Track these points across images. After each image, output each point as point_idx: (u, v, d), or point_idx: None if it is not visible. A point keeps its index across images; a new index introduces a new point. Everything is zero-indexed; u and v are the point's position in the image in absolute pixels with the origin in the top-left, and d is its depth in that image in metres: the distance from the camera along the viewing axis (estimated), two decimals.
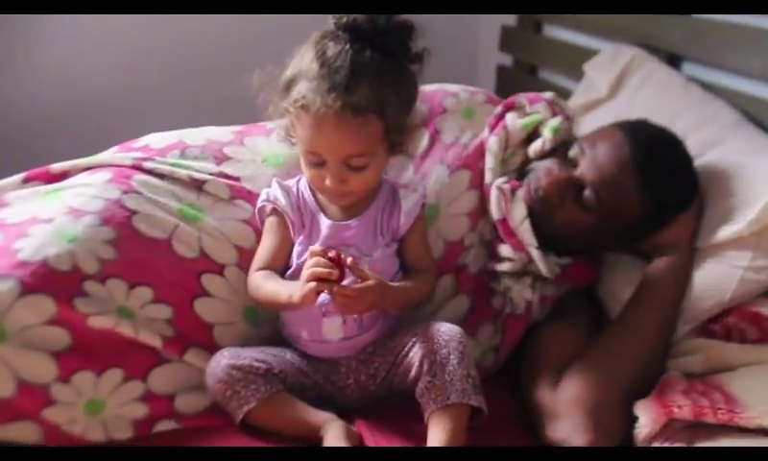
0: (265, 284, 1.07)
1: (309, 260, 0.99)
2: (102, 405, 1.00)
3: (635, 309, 1.18)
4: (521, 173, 1.28)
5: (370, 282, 0.99)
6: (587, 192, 1.18)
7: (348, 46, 0.99)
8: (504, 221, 1.23)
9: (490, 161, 1.27)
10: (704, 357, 1.00)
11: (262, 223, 1.14)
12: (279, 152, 1.24)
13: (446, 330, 1.03)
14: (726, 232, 1.16)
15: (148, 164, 1.17)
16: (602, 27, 1.83)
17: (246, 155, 1.23)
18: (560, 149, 1.25)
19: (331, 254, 0.98)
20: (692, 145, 1.30)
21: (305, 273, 0.98)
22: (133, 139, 1.27)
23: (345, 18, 1.01)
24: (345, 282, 0.98)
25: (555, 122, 1.29)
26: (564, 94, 1.76)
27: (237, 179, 1.20)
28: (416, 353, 1.03)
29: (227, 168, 1.21)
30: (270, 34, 2.07)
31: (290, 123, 1.07)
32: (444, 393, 0.98)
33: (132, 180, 1.14)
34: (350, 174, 1.03)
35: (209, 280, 1.11)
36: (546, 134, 1.27)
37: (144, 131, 1.32)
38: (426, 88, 1.34)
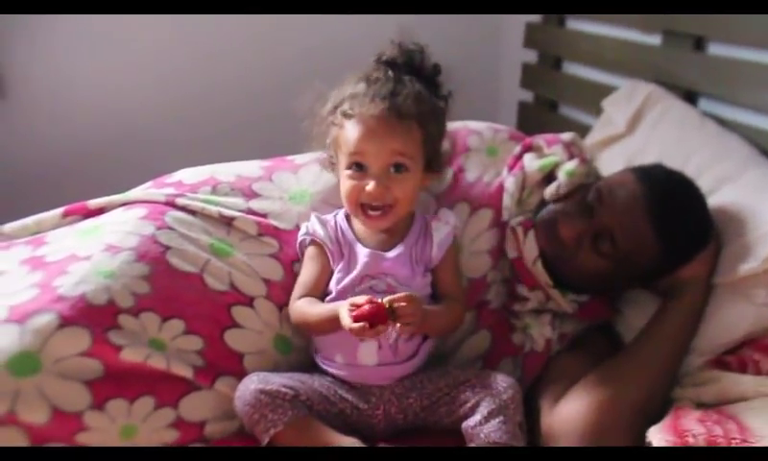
0: (312, 308, 1.12)
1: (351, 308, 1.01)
2: (135, 431, 1.03)
3: (644, 340, 1.20)
4: (537, 214, 1.30)
5: (410, 293, 1.04)
6: (603, 241, 1.19)
7: (389, 72, 1.13)
8: (519, 260, 1.26)
9: (507, 201, 1.30)
10: (717, 388, 1.01)
11: (302, 255, 1.19)
12: (306, 189, 1.28)
13: (506, 379, 1.10)
14: (742, 269, 1.17)
15: (180, 201, 1.21)
16: (620, 64, 1.87)
17: (273, 192, 1.28)
18: (576, 192, 1.27)
19: (368, 304, 1.00)
20: (708, 180, 1.32)
21: (345, 320, 1.01)
22: (167, 174, 1.32)
23: (383, 56, 1.15)
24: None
25: (571, 166, 1.32)
26: (584, 130, 1.79)
27: (265, 215, 1.24)
28: (473, 395, 1.07)
29: (255, 204, 1.25)
30: (301, 57, 2.16)
31: (332, 140, 1.15)
32: (497, 431, 1.03)
33: (165, 216, 1.18)
34: (392, 180, 1.10)
35: (239, 312, 1.14)
36: (562, 178, 1.30)
37: (176, 158, 1.37)
38: (450, 126, 1.38)
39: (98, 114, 2.11)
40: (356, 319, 0.99)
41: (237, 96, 2.20)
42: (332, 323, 1.06)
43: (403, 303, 1.01)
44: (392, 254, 1.15)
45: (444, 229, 1.19)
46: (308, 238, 1.18)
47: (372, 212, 1.12)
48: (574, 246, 1.22)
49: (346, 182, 1.13)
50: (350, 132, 1.11)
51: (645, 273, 1.22)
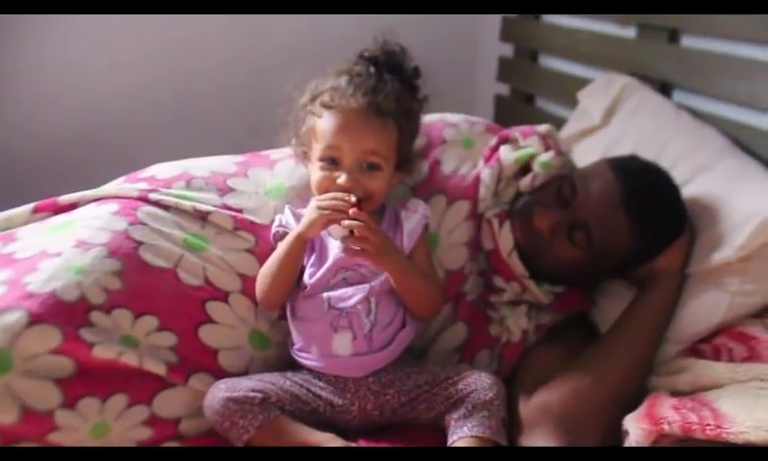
0: (267, 262, 1.13)
1: (320, 197, 1.09)
2: (107, 429, 1.02)
3: (619, 330, 1.20)
4: (513, 206, 1.30)
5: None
6: (577, 232, 1.20)
7: (372, 69, 1.14)
8: (495, 251, 1.26)
9: (483, 192, 1.30)
10: (692, 376, 1.02)
11: (275, 247, 1.17)
12: (282, 184, 1.27)
13: (489, 376, 1.09)
14: (716, 258, 1.19)
15: (153, 196, 1.20)
16: (595, 57, 1.88)
17: (249, 186, 1.26)
18: (551, 183, 1.27)
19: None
20: (683, 170, 1.33)
21: (314, 203, 1.09)
22: (138, 168, 1.30)
23: (366, 51, 1.16)
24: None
25: (546, 157, 1.32)
26: (560, 123, 1.80)
27: (240, 210, 1.22)
28: (455, 392, 1.07)
29: (229, 200, 1.23)
30: (276, 56, 2.13)
31: (308, 129, 1.15)
32: (480, 425, 1.04)
33: (138, 211, 1.16)
34: (363, 175, 1.11)
35: (214, 308, 1.13)
36: (537, 169, 1.30)
37: (150, 152, 1.35)
38: (427, 118, 1.37)
39: (70, 110, 2.07)
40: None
41: (212, 91, 2.19)
42: (294, 245, 1.10)
43: (360, 223, 1.04)
44: None
45: (413, 218, 1.19)
46: (281, 230, 1.17)
47: None
48: (549, 237, 1.22)
49: (317, 173, 1.13)
50: (328, 123, 1.11)
51: (620, 263, 1.23)
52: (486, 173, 1.31)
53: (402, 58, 1.17)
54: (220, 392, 1.04)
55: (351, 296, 1.11)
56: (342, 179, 1.10)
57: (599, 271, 1.26)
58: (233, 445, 1.04)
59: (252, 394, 1.04)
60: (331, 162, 1.12)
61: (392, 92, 1.11)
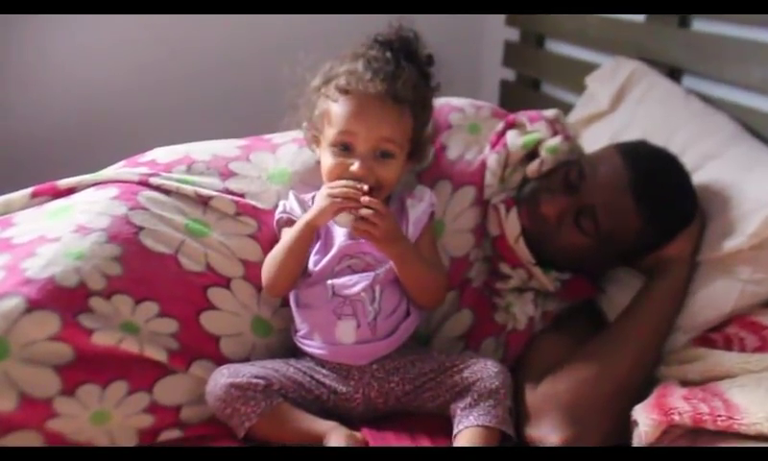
0: (274, 249, 1.11)
1: (331, 184, 1.07)
2: (108, 416, 1.01)
3: (627, 318, 1.18)
4: (520, 192, 1.28)
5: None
6: (585, 218, 1.18)
7: (388, 54, 1.11)
8: (501, 238, 1.24)
9: (489, 178, 1.28)
10: (703, 366, 1.00)
11: (279, 233, 1.16)
12: (285, 169, 1.25)
13: (495, 364, 1.08)
14: (727, 246, 1.17)
15: (154, 180, 1.18)
16: (603, 41, 1.85)
17: (251, 171, 1.24)
18: (559, 169, 1.25)
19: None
20: (692, 157, 1.31)
21: (325, 191, 1.06)
22: (140, 153, 1.28)
23: (380, 36, 1.13)
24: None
25: (554, 142, 1.29)
26: (567, 108, 1.78)
27: (242, 195, 1.21)
28: (461, 380, 1.06)
29: (231, 184, 1.22)
30: (278, 41, 2.11)
31: (321, 113, 1.12)
32: (487, 415, 1.03)
33: (138, 196, 1.15)
34: (377, 163, 1.09)
35: (215, 294, 1.12)
36: (544, 155, 1.28)
37: (151, 138, 1.34)
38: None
39: (71, 93, 2.06)
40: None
41: (213, 76, 2.17)
42: (303, 233, 1.08)
43: (371, 211, 1.03)
44: None
45: (419, 206, 1.17)
46: (285, 216, 1.15)
47: None
48: (556, 223, 1.20)
49: (329, 160, 1.11)
50: (343, 108, 1.09)
51: (628, 250, 1.21)
52: (492, 158, 1.29)
53: (417, 44, 1.15)
54: (222, 378, 1.03)
55: (356, 283, 1.10)
56: (355, 166, 1.08)
57: (607, 258, 1.24)
58: (235, 432, 1.02)
59: (254, 380, 1.03)
60: (344, 148, 1.10)
61: (410, 79, 1.10)
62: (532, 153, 1.31)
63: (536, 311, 1.23)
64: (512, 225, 1.23)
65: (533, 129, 1.33)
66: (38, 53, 2.00)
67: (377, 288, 1.10)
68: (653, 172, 1.19)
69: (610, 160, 1.21)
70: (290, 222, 1.13)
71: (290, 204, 1.16)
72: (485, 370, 1.06)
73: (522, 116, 1.36)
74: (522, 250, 1.23)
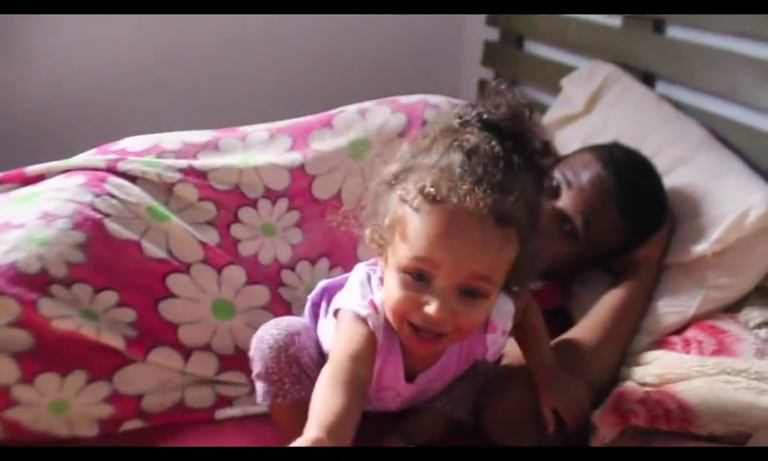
0: (324, 392, 0.79)
1: None
2: (67, 405, 1.00)
3: (594, 319, 1.18)
4: None
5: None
6: (575, 225, 1.18)
7: (495, 145, 0.79)
8: None
9: None
10: (661, 368, 1.02)
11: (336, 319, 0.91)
12: (254, 155, 1.25)
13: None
14: (692, 251, 1.19)
15: (121, 165, 1.18)
16: (580, 45, 1.86)
17: (218, 159, 1.25)
18: None
19: None
20: (663, 161, 1.33)
21: None
22: (113, 141, 1.28)
23: (485, 114, 0.82)
24: None
25: None
26: (544, 109, 1.80)
27: (204, 174, 1.21)
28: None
29: (195, 163, 1.22)
30: (267, 37, 2.12)
31: (394, 219, 0.82)
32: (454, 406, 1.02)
33: (105, 183, 1.14)
34: (461, 305, 0.80)
35: (174, 281, 1.11)
36: None
37: (132, 132, 1.33)
38: (407, 99, 1.36)
39: (50, 81, 2.04)
40: None
41: (197, 66, 2.15)
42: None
43: None
44: (429, 375, 0.95)
45: (500, 341, 0.96)
46: (372, 329, 0.86)
47: (423, 334, 0.83)
48: (541, 232, 1.19)
49: (396, 290, 0.82)
50: (426, 225, 0.78)
51: (608, 253, 1.23)
52: None
53: (533, 127, 0.84)
54: (293, 348, 0.92)
55: (397, 407, 1.01)
56: (432, 308, 0.79)
57: (588, 261, 1.25)
58: (258, 394, 0.95)
59: (312, 365, 0.93)
60: (419, 278, 0.80)
61: (524, 193, 0.79)
62: None
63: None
64: None
65: None
66: (20, 43, 1.98)
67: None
68: (634, 178, 1.21)
69: (590, 167, 1.21)
70: (369, 336, 0.85)
71: (371, 313, 0.86)
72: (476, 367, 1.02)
73: None
74: None
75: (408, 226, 0.80)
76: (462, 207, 0.76)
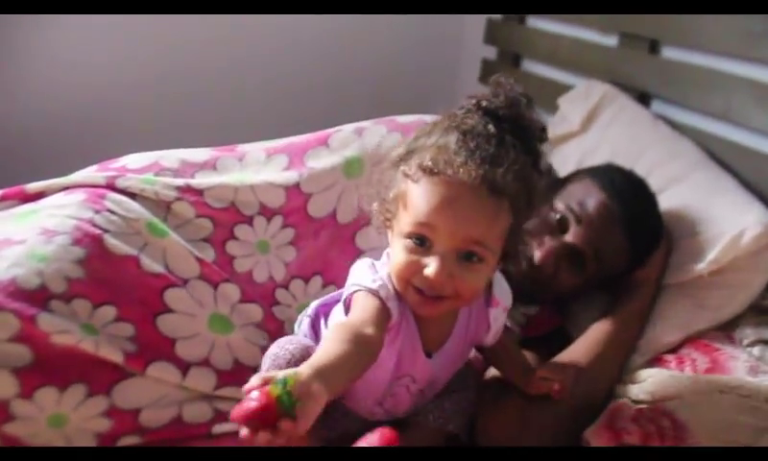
0: (326, 343, 0.83)
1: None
2: (65, 420, 1.00)
3: (591, 338, 1.18)
4: None
5: None
6: (587, 259, 1.18)
7: (491, 127, 0.86)
8: None
9: None
10: (654, 386, 1.02)
11: (348, 302, 0.93)
12: (249, 175, 1.26)
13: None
14: (688, 271, 1.20)
15: (119, 182, 1.19)
16: (577, 64, 1.88)
17: (216, 178, 1.25)
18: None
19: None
20: (658, 180, 1.34)
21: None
22: (114, 159, 1.28)
23: (484, 102, 0.89)
24: None
25: None
26: None
27: (201, 192, 1.22)
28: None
29: (193, 181, 1.23)
30: (277, 48, 2.13)
31: (398, 194, 0.90)
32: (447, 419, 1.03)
33: (105, 199, 1.15)
34: (459, 269, 0.87)
35: (172, 296, 1.12)
36: None
37: (130, 146, 1.33)
38: (404, 118, 1.36)
39: (50, 97, 2.05)
40: (236, 419, 0.69)
41: (198, 86, 2.17)
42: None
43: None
44: (444, 353, 0.99)
45: (502, 316, 1.01)
46: (383, 300, 0.90)
47: (428, 294, 0.89)
48: (554, 270, 1.19)
49: (400, 255, 0.89)
50: (425, 193, 0.86)
51: (611, 278, 1.23)
52: None
53: (529, 114, 0.90)
54: (300, 347, 0.97)
55: (406, 406, 1.03)
56: (431, 269, 0.86)
57: (593, 287, 1.25)
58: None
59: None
60: (420, 243, 0.87)
61: (515, 166, 0.85)
62: None
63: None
64: None
65: None
66: (17, 59, 1.99)
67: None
68: (636, 204, 1.21)
69: (594, 197, 1.20)
70: (382, 309, 0.90)
71: (386, 290, 0.91)
72: (465, 380, 1.06)
73: None
74: None
75: (410, 196, 0.88)
76: (456, 178, 0.83)
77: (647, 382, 1.03)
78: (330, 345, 0.81)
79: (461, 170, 0.83)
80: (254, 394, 0.68)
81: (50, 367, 0.99)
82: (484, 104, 0.89)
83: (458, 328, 0.99)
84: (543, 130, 0.93)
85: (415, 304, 0.91)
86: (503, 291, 1.00)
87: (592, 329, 1.19)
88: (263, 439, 0.68)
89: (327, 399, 0.72)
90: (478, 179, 0.83)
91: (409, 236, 0.88)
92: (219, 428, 1.07)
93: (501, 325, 1.02)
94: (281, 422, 0.67)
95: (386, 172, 0.93)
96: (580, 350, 1.17)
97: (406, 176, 0.88)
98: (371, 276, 0.92)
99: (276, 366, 0.96)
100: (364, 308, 0.89)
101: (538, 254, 1.18)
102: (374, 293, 0.90)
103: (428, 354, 0.98)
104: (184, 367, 1.09)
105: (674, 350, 1.15)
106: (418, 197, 0.86)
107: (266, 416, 0.67)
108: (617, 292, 1.24)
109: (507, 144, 0.86)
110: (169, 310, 1.11)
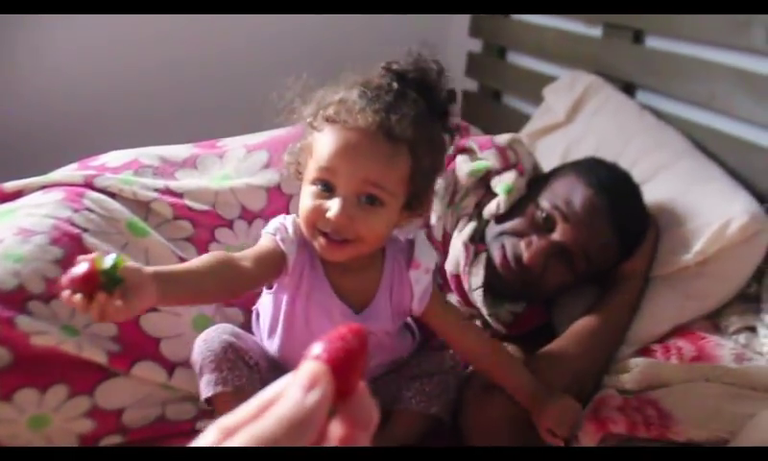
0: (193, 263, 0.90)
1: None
2: (46, 421, 0.99)
3: (581, 328, 1.18)
4: (484, 233, 1.26)
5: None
6: (575, 257, 1.18)
7: (395, 84, 0.92)
8: (457, 276, 1.22)
9: (435, 203, 1.26)
10: (641, 375, 1.02)
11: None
12: (228, 173, 1.25)
13: (452, 357, 1.09)
14: (675, 262, 1.20)
15: (98, 181, 1.17)
16: (562, 55, 1.88)
17: (195, 176, 1.24)
18: (522, 209, 1.23)
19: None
20: (644, 168, 1.34)
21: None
22: (94, 157, 1.27)
23: (394, 64, 0.94)
24: None
25: (509, 181, 1.26)
26: (527, 119, 1.80)
27: (181, 195, 1.20)
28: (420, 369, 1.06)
29: (173, 183, 1.21)
30: (264, 47, 2.11)
31: (305, 145, 0.97)
32: (429, 402, 1.04)
33: (84, 198, 1.13)
34: (360, 211, 0.91)
35: None
36: (501, 197, 1.25)
37: (115, 145, 1.32)
38: None
39: (32, 99, 2.02)
40: (63, 282, 0.73)
41: (182, 84, 2.15)
42: None
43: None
44: (372, 313, 1.01)
45: (424, 279, 1.02)
46: (278, 241, 0.98)
47: (333, 237, 0.93)
48: (543, 269, 1.19)
49: (306, 200, 0.94)
50: (327, 141, 0.92)
51: (599, 273, 1.22)
52: (439, 183, 1.27)
53: (438, 78, 0.96)
54: (225, 334, 1.00)
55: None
56: (332, 211, 0.90)
57: (582, 282, 1.24)
58: (201, 391, 0.99)
59: (250, 353, 1.00)
60: (324, 187, 0.92)
61: (411, 114, 0.90)
62: (485, 177, 1.30)
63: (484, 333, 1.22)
64: (477, 273, 1.20)
65: (482, 156, 1.31)
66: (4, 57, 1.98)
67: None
68: (622, 198, 1.21)
69: (580, 194, 1.19)
70: (275, 249, 0.97)
71: (290, 227, 0.99)
72: (442, 362, 1.07)
73: (473, 142, 1.34)
74: (478, 299, 1.20)
75: (315, 145, 0.94)
76: (355, 125, 0.90)
77: (633, 372, 1.03)
78: (190, 261, 0.89)
79: (359, 117, 0.89)
80: (83, 262, 0.72)
81: (30, 368, 0.98)
82: (394, 67, 0.94)
83: (383, 288, 1.01)
84: (451, 92, 0.98)
85: (321, 249, 0.95)
86: (424, 253, 1.03)
87: (579, 323, 1.19)
88: (78, 304, 0.72)
89: (158, 299, 0.78)
90: (374, 124, 0.89)
91: (314, 182, 0.93)
92: (202, 424, 1.06)
93: (424, 289, 1.03)
94: (98, 293, 0.72)
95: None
96: (566, 343, 1.16)
97: (312, 127, 0.95)
98: (274, 223, 0.99)
99: (209, 351, 0.99)
100: (255, 247, 0.97)
101: (526, 254, 1.18)
102: (272, 234, 0.97)
103: (357, 312, 1.01)
104: (170, 367, 1.07)
105: (660, 339, 1.15)
106: (321, 145, 0.93)
107: (87, 284, 0.71)
108: (605, 285, 1.23)
109: (407, 97, 0.92)
110: (153, 309, 1.09)
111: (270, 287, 1.03)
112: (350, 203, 0.91)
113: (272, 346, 1.05)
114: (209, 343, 1.00)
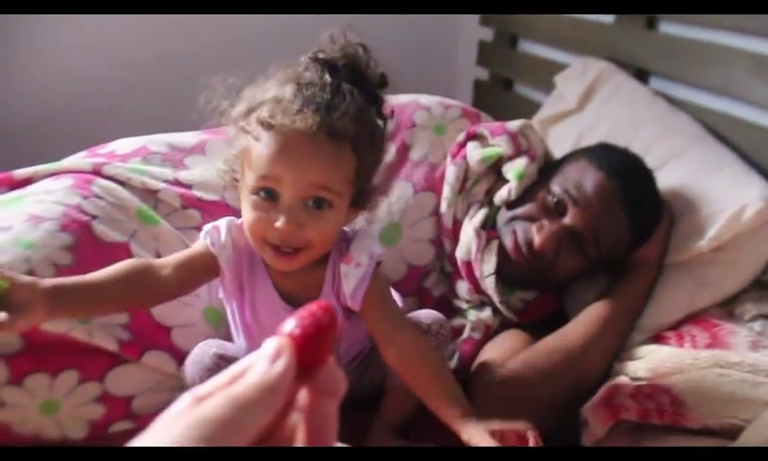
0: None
1: None
2: (57, 406, 0.99)
3: (593, 315, 1.16)
4: (495, 220, 1.25)
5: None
6: (587, 242, 1.17)
7: (327, 77, 0.88)
8: (468, 263, 1.22)
9: (446, 191, 1.26)
10: (654, 362, 1.01)
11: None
12: None
13: (430, 314, 1.05)
14: (689, 249, 1.18)
15: (107, 169, 1.17)
16: (574, 42, 1.86)
17: (205, 164, 1.24)
18: (534, 194, 1.22)
19: None
20: (657, 155, 1.33)
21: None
22: (102, 144, 1.27)
23: (321, 54, 0.90)
24: None
25: (520, 167, 1.25)
26: (538, 108, 1.79)
27: (190, 186, 1.20)
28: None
29: (182, 174, 1.21)
30: (265, 38, 2.09)
31: (241, 151, 0.91)
32: None
33: (93, 185, 1.13)
34: (308, 217, 0.88)
35: None
36: (512, 183, 1.24)
37: (122, 134, 1.32)
38: (398, 99, 1.34)
39: (39, 84, 2.03)
40: None
41: (188, 68, 2.12)
42: None
43: None
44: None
45: (353, 274, 0.95)
46: (208, 245, 0.96)
47: (284, 249, 0.90)
48: (554, 254, 1.18)
49: (250, 212, 0.89)
50: (265, 147, 0.86)
51: (615, 259, 1.21)
52: (450, 171, 1.27)
53: (367, 62, 0.91)
54: (211, 349, 0.98)
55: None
56: (280, 222, 0.86)
57: (596, 268, 1.23)
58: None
59: (239, 358, 0.98)
60: (268, 196, 0.88)
61: (352, 110, 0.86)
62: (496, 164, 1.29)
63: (494, 320, 1.22)
64: (489, 260, 1.19)
65: (494, 143, 1.30)
66: (11, 44, 1.97)
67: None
68: (635, 182, 1.19)
69: (592, 178, 1.18)
70: (207, 255, 0.95)
71: (223, 233, 0.96)
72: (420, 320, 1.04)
73: (484, 129, 1.33)
74: (490, 286, 1.20)
75: (252, 153, 0.88)
76: (294, 128, 0.84)
77: (646, 359, 1.02)
78: (104, 270, 0.88)
79: (297, 119, 0.84)
80: None
81: (41, 354, 0.98)
82: (320, 56, 0.89)
83: (327, 284, 0.97)
84: (383, 76, 0.93)
85: (273, 261, 0.92)
86: (360, 248, 0.96)
87: (590, 309, 1.17)
88: None
89: (48, 314, 0.79)
90: (315, 125, 0.84)
91: (255, 192, 0.88)
92: None
93: (356, 284, 0.95)
94: None
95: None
96: (576, 329, 1.15)
97: (246, 132, 0.89)
98: (208, 226, 0.97)
99: (202, 370, 0.97)
100: (181, 253, 0.96)
101: (537, 239, 1.17)
102: (202, 239, 0.95)
103: None
104: (180, 357, 1.07)
105: (674, 326, 1.14)
106: (259, 151, 0.87)
107: None
108: (618, 272, 1.22)
109: (343, 90, 0.87)
110: None
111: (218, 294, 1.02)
112: (298, 210, 0.87)
113: (245, 348, 1.03)
114: (200, 361, 0.98)
